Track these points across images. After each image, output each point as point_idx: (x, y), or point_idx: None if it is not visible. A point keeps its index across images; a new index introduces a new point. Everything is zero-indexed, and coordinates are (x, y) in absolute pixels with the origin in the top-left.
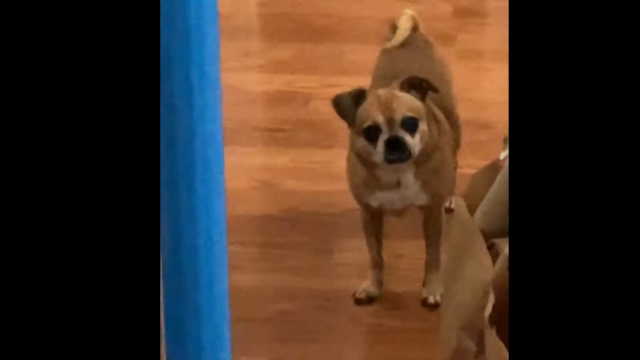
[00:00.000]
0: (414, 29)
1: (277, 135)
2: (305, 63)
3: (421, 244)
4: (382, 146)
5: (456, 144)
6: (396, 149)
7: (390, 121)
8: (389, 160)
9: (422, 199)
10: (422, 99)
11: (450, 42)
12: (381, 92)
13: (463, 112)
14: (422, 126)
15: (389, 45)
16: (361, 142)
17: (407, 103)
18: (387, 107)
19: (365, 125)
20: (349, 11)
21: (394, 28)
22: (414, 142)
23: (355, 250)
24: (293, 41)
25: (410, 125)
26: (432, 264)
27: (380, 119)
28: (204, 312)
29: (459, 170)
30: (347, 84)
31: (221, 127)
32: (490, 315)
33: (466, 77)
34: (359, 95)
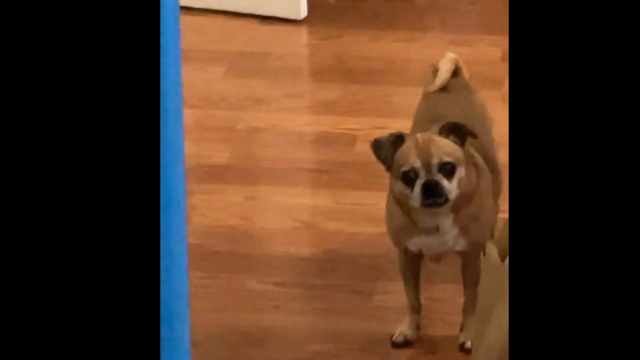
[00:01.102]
0: (456, 72)
1: (322, 177)
2: (352, 105)
3: (460, 288)
4: (418, 190)
5: (497, 189)
6: (433, 194)
7: (427, 165)
8: (426, 205)
9: (461, 245)
10: (461, 144)
11: (498, 86)
12: (419, 136)
13: (507, 156)
14: (460, 171)
15: (429, 88)
16: (399, 186)
17: (445, 148)
18: (424, 151)
19: (403, 169)
20: (397, 54)
21: (435, 71)
22: (451, 187)
23: (393, 293)
24: (341, 82)
25: (448, 169)
26: (470, 308)
27: (417, 163)
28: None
29: (501, 215)
30: (394, 127)
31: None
32: None
33: None
34: (397, 140)
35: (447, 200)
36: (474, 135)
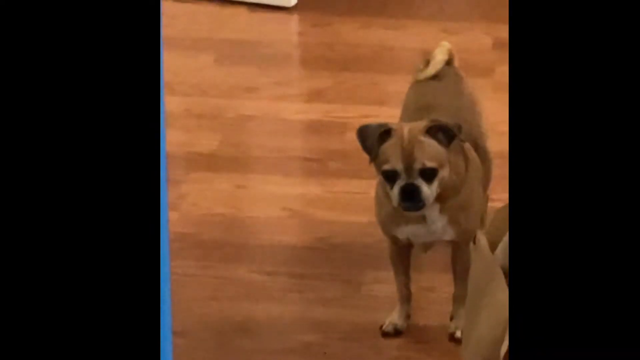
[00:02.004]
0: (448, 62)
1: (312, 165)
2: (343, 93)
3: (450, 277)
4: (397, 192)
5: (486, 179)
6: (410, 198)
7: (408, 169)
8: (403, 207)
9: (449, 234)
10: (448, 144)
11: (489, 74)
12: (406, 133)
13: (497, 145)
14: (442, 174)
15: (420, 76)
16: (380, 179)
17: (429, 151)
18: (408, 154)
19: (385, 167)
20: (388, 41)
21: (426, 60)
22: (430, 191)
23: (384, 283)
24: (331, 70)
25: (429, 174)
26: (459, 298)
27: (399, 165)
28: None
29: (490, 204)
30: (384, 115)
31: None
32: (507, 353)
33: (502, 110)
34: (384, 133)
35: (423, 205)
36: (461, 139)
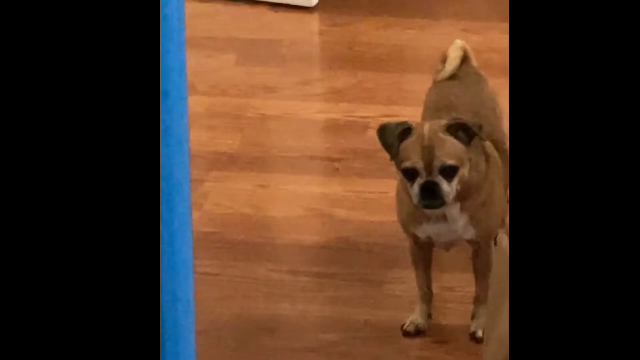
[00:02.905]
0: (464, 59)
1: (333, 165)
2: (364, 92)
3: (471, 276)
4: (417, 189)
5: (507, 178)
6: (430, 195)
7: (429, 166)
8: (423, 205)
9: (470, 233)
10: (468, 142)
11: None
12: (426, 130)
13: None
14: (462, 171)
15: (439, 77)
16: (401, 176)
17: (449, 149)
18: (428, 151)
19: (405, 165)
20: (409, 41)
21: (444, 59)
22: (450, 189)
23: (405, 282)
24: (352, 70)
25: (449, 171)
26: (481, 298)
27: (419, 163)
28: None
29: None
30: (405, 114)
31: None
32: None
33: None
34: (404, 131)
35: (443, 202)
36: (481, 137)
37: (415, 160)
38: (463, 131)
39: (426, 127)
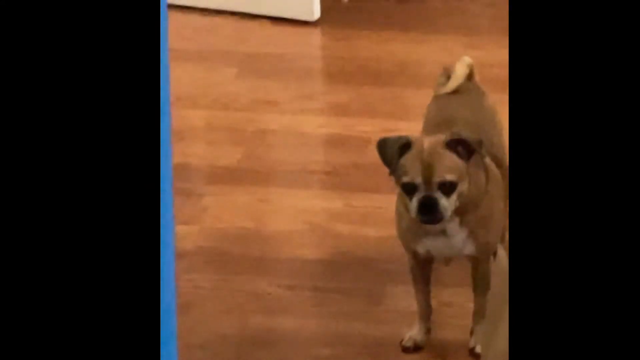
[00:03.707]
0: (469, 76)
1: (333, 179)
2: (364, 107)
3: (470, 292)
4: (415, 204)
5: (507, 194)
6: (428, 211)
7: (427, 182)
8: (421, 220)
9: (470, 249)
10: (468, 158)
11: None
12: (426, 145)
13: None
14: (461, 187)
15: (441, 91)
16: (400, 192)
17: (448, 165)
18: (428, 167)
19: (404, 179)
20: (410, 55)
21: (447, 74)
22: (448, 205)
23: (404, 297)
24: (353, 84)
25: (448, 187)
26: (480, 313)
27: (418, 178)
28: None
29: None
30: (405, 129)
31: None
32: None
33: None
34: (404, 146)
35: (442, 218)
36: (481, 154)
37: (414, 175)
38: (463, 146)
39: (426, 142)
